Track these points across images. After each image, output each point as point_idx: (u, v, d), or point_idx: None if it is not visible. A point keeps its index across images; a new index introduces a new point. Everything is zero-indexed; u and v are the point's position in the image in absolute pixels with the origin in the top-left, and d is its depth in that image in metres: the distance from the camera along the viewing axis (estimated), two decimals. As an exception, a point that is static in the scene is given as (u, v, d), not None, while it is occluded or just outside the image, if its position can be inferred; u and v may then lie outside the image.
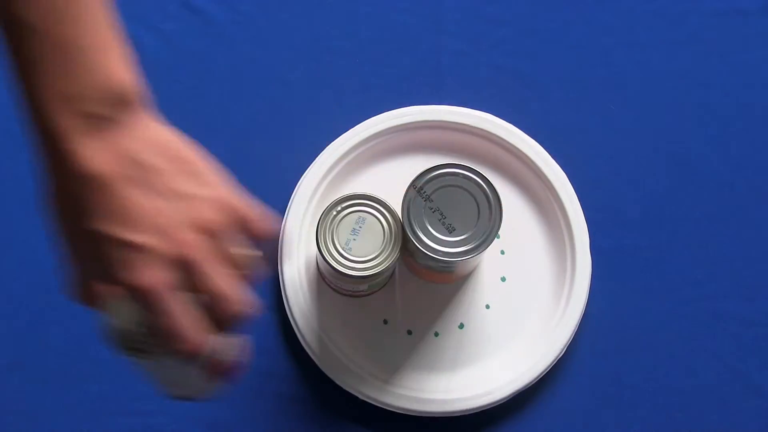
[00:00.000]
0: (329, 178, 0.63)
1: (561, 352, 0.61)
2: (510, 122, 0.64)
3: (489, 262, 0.63)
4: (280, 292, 0.63)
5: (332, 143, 0.63)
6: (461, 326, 0.63)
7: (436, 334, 0.63)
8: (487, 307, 0.63)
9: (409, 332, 0.63)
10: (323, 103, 0.66)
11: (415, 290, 0.63)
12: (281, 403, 0.62)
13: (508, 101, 0.66)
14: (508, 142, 0.63)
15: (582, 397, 0.63)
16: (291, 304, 0.61)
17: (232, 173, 0.65)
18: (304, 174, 0.63)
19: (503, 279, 0.63)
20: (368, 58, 0.67)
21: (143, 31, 0.66)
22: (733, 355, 0.63)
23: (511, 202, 0.64)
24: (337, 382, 0.61)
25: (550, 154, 0.63)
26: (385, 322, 0.63)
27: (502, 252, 0.63)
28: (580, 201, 0.63)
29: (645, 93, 0.66)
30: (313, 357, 0.61)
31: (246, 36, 0.66)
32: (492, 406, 0.61)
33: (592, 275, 0.62)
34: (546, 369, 0.61)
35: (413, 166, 0.64)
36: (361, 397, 0.61)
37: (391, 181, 0.62)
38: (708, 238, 0.65)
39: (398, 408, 0.60)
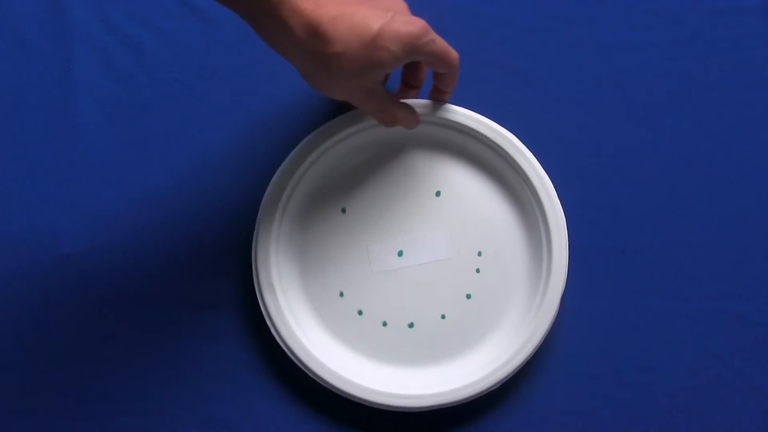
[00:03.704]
0: (311, 170, 0.63)
1: (539, 343, 0.60)
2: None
3: (464, 256, 0.63)
4: (254, 289, 0.63)
5: (311, 133, 0.62)
6: (443, 317, 0.62)
7: (411, 325, 0.62)
8: (468, 297, 0.62)
9: (384, 324, 0.62)
10: (323, 101, 0.66)
11: (391, 280, 0.62)
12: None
13: (508, 99, 0.66)
14: (485, 137, 0.62)
15: (582, 396, 0.63)
16: (266, 300, 0.61)
17: (231, 170, 0.66)
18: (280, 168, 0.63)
19: (477, 271, 0.62)
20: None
21: (143, 30, 0.66)
22: (733, 355, 0.63)
23: (492, 197, 0.64)
24: (313, 378, 0.60)
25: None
26: (360, 312, 0.62)
27: (480, 254, 0.63)
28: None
29: (645, 92, 0.66)
30: (288, 353, 0.61)
31: (245, 34, 0.66)
32: (474, 398, 0.60)
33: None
34: (524, 361, 0.60)
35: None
36: (340, 393, 0.60)
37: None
38: (708, 238, 0.65)
39: (377, 404, 0.60)
